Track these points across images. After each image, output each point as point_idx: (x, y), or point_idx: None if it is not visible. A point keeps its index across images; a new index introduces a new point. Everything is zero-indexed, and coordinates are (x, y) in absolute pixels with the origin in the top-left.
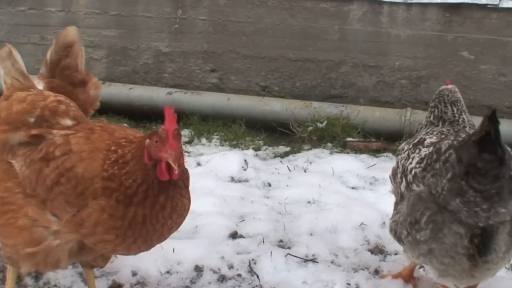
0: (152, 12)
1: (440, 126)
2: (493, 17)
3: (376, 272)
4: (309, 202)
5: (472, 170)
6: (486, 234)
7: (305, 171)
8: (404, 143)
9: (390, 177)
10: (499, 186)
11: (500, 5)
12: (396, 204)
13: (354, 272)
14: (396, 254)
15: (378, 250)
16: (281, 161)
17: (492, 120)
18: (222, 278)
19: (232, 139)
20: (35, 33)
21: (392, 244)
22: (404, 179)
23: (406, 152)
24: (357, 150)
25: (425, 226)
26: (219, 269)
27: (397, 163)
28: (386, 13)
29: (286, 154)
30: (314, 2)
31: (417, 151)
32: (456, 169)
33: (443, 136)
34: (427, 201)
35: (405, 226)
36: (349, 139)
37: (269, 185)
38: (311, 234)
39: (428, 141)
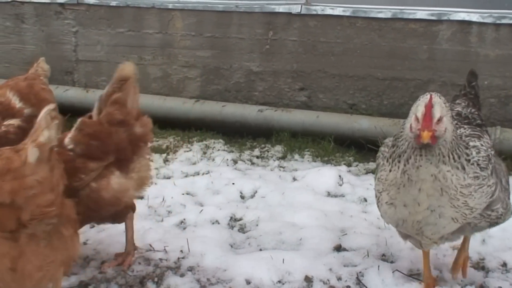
0: (244, 33)
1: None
2: None
3: None
4: None
5: None
6: None
7: None
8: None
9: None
10: None
11: None
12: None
13: None
14: (499, 269)
15: (480, 267)
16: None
17: None
18: None
19: (323, 155)
20: (133, 53)
21: (493, 261)
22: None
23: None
24: None
25: None
26: (328, 280)
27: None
28: (475, 33)
29: None
30: (403, 22)
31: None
32: None
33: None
34: None
35: None
36: None
37: (365, 200)
38: (413, 249)
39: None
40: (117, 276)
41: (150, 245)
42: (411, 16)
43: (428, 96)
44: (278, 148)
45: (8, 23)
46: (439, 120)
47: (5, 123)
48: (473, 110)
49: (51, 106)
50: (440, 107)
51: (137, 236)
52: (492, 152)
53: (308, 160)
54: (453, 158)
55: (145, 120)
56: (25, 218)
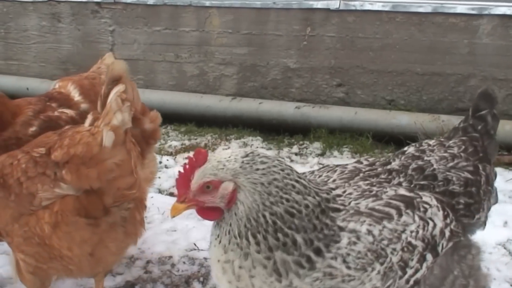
0: (282, 30)
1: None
2: None
3: None
4: None
5: None
6: None
7: None
8: None
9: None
10: None
11: None
12: None
13: (511, 286)
14: None
15: None
16: None
17: None
18: None
19: (362, 151)
20: (170, 51)
21: None
22: None
23: None
24: None
25: None
26: None
27: (377, 250)
28: None
29: None
30: (443, 17)
31: None
32: None
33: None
34: None
35: None
36: None
37: None
38: None
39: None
40: (163, 276)
41: (194, 244)
42: (451, 11)
43: (197, 151)
44: (317, 145)
45: (44, 22)
46: (213, 187)
47: (60, 110)
48: (463, 164)
49: (121, 87)
50: (219, 166)
51: (180, 235)
52: (398, 245)
53: (347, 157)
54: (257, 247)
55: (154, 114)
56: (108, 202)
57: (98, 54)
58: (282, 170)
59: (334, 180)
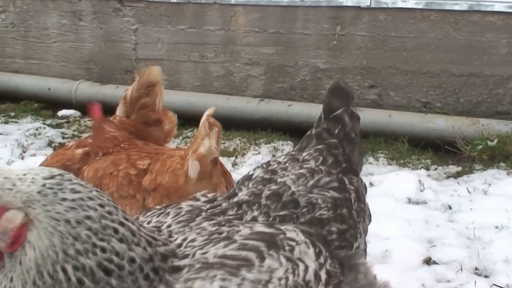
0: (310, 29)
1: None
2: None
3: None
4: (497, 227)
5: None
6: None
7: (485, 194)
8: None
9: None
10: None
11: None
12: None
13: None
14: None
15: None
16: (458, 183)
17: None
18: None
19: (398, 157)
20: (194, 51)
21: None
22: None
23: None
24: None
25: None
26: None
27: None
28: None
29: (458, 175)
30: (480, 15)
31: None
32: None
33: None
34: None
35: None
36: None
37: (450, 207)
38: (507, 262)
39: None
40: None
41: None
42: (488, 9)
43: None
44: None
45: (65, 20)
46: None
47: None
48: (326, 179)
49: (210, 111)
50: (7, 185)
51: None
52: None
53: (383, 163)
54: None
55: (171, 116)
56: None
57: (122, 53)
58: (102, 206)
59: (168, 226)
